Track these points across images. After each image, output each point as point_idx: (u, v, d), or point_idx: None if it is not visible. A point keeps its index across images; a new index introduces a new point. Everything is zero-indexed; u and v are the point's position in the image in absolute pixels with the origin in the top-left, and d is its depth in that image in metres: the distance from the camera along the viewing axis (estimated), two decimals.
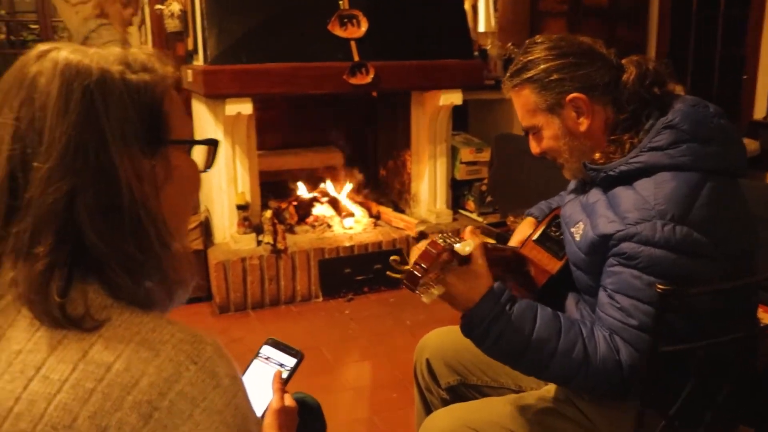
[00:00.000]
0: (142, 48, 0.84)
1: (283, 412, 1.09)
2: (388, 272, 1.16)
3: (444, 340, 1.64)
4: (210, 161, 0.90)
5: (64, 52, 0.75)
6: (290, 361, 1.21)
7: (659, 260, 1.16)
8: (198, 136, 3.92)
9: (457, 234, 1.25)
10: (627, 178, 1.25)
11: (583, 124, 1.31)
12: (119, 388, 0.66)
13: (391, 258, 1.17)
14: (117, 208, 0.72)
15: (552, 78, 1.30)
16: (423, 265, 1.10)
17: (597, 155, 1.31)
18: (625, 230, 1.19)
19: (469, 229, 1.30)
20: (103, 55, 0.77)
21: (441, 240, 1.14)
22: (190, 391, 0.68)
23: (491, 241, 3.29)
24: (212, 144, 0.90)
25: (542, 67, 1.31)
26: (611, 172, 1.27)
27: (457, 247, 1.16)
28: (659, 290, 1.09)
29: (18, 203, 0.71)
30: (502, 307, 1.20)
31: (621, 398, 1.24)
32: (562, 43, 1.34)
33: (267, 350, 1.23)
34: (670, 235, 1.16)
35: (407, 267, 1.12)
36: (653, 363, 1.14)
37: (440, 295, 1.18)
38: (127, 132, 0.73)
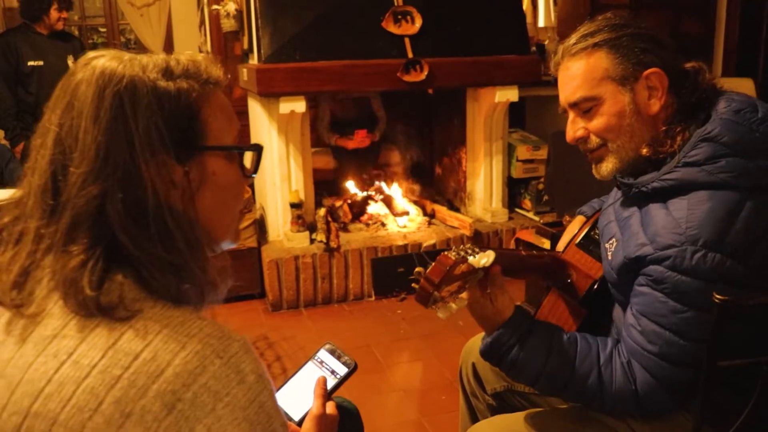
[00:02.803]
0: (193, 53, 0.85)
1: (323, 418, 1.08)
2: (413, 284, 1.12)
3: None
4: (254, 167, 0.90)
5: (103, 60, 0.78)
6: (342, 370, 1.20)
7: (686, 288, 1.09)
8: (253, 135, 3.98)
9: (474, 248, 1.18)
10: (660, 195, 1.16)
11: (655, 105, 1.20)
12: (145, 376, 0.67)
13: (416, 270, 1.13)
14: (144, 212, 0.74)
15: (637, 45, 1.19)
16: (433, 279, 1.06)
17: (644, 150, 1.20)
18: (654, 254, 1.11)
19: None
20: (141, 62, 0.78)
21: (454, 253, 1.09)
22: (214, 385, 0.69)
23: (546, 240, 3.20)
24: (253, 150, 0.89)
25: (629, 31, 1.20)
26: (644, 188, 1.18)
27: (472, 259, 1.10)
28: (717, 300, 1.01)
29: (56, 204, 0.74)
30: (516, 340, 1.20)
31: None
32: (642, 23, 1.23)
33: (323, 354, 1.23)
34: (699, 263, 1.07)
35: (419, 285, 1.08)
36: (711, 377, 1.07)
37: (460, 308, 1.15)
38: (155, 139, 0.75)
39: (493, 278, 1.19)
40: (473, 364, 1.58)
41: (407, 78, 3.37)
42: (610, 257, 1.24)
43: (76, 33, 6.76)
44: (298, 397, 1.16)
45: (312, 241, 3.53)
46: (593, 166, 1.29)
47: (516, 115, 4.30)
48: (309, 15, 3.32)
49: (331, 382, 1.17)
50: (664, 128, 1.20)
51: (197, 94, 0.79)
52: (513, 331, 1.19)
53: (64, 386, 0.68)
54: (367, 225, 3.83)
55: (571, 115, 1.26)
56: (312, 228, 3.58)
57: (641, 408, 1.16)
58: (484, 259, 1.11)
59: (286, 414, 1.15)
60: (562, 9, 4.92)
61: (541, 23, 4.69)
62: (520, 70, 3.63)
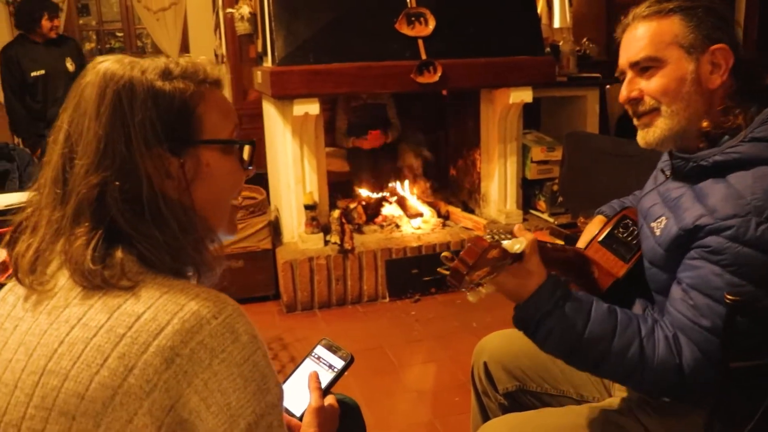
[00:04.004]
0: (193, 56, 0.92)
1: (321, 410, 1.10)
2: (438, 269, 1.12)
3: (503, 343, 1.59)
4: (249, 160, 0.96)
5: (107, 63, 0.86)
6: (339, 363, 1.20)
7: (746, 260, 1.06)
8: (267, 137, 4.00)
9: (511, 232, 1.18)
10: (720, 170, 1.14)
11: (716, 81, 1.19)
12: (146, 334, 0.74)
13: (443, 254, 1.13)
14: (138, 198, 0.81)
15: (710, 19, 1.19)
16: (468, 261, 1.05)
17: (705, 123, 1.19)
18: (714, 224, 1.08)
19: (518, 226, 1.23)
20: (141, 65, 0.86)
21: (489, 236, 1.09)
22: (210, 343, 0.75)
23: (559, 241, 3.18)
24: (244, 144, 0.95)
25: (705, 3, 1.20)
26: (703, 162, 1.16)
27: (506, 243, 1.10)
28: (728, 300, 1.00)
29: (64, 192, 0.83)
30: (554, 304, 1.14)
31: (680, 399, 1.17)
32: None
33: (320, 350, 1.24)
34: (765, 234, 1.05)
35: (452, 266, 1.08)
36: (723, 375, 1.06)
37: (490, 292, 1.14)
38: (149, 133, 0.82)
39: (526, 261, 1.15)
40: (485, 364, 1.58)
41: (421, 79, 3.37)
42: (658, 233, 1.22)
43: (94, 37, 6.85)
44: (298, 393, 1.17)
45: (326, 242, 3.54)
46: (639, 131, 1.27)
47: (530, 116, 4.29)
48: (322, 18, 3.34)
49: (329, 376, 1.18)
50: (720, 107, 1.19)
51: (192, 93, 0.87)
52: (549, 295, 1.14)
53: (75, 345, 0.76)
54: (382, 226, 3.83)
55: (629, 74, 1.25)
56: (326, 230, 3.59)
57: (684, 382, 1.11)
58: (518, 244, 1.11)
59: (288, 411, 1.15)
60: (577, 10, 4.90)
61: (556, 24, 4.69)
62: (534, 71, 3.61)
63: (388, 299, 3.54)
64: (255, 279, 3.51)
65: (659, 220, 1.23)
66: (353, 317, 3.39)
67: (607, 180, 3.21)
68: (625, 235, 1.40)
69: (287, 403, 1.16)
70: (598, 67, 4.69)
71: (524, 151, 4.08)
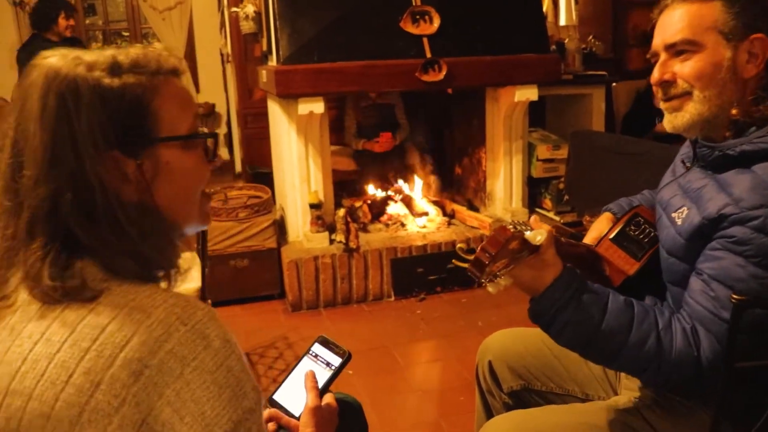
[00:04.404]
0: (148, 45, 0.87)
1: (318, 410, 1.08)
2: (453, 260, 1.11)
3: (508, 342, 1.58)
4: (211, 154, 0.91)
5: (50, 60, 0.79)
6: (336, 361, 1.20)
7: None
8: (272, 136, 4.00)
9: (527, 223, 1.17)
10: (746, 160, 1.12)
11: (751, 70, 1.17)
12: (112, 346, 0.71)
13: (458, 246, 1.12)
14: (93, 207, 0.77)
15: (754, 8, 1.17)
16: (490, 251, 1.04)
17: (734, 111, 1.17)
18: (740, 213, 1.07)
19: (534, 217, 1.22)
20: (86, 60, 0.79)
21: (511, 227, 1.08)
22: (180, 351, 0.71)
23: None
24: (205, 137, 0.90)
25: None
26: (729, 151, 1.14)
27: (528, 234, 1.08)
28: (733, 301, 0.98)
29: (15, 205, 0.78)
30: (569, 296, 1.12)
31: (697, 395, 1.15)
32: None
33: (317, 348, 1.24)
34: None
35: (474, 255, 1.06)
36: (728, 373, 1.05)
37: (508, 285, 1.13)
38: (99, 137, 0.76)
39: (543, 253, 1.14)
40: (490, 362, 1.57)
41: (426, 78, 3.37)
42: (679, 223, 1.20)
43: (100, 37, 6.87)
44: (297, 393, 1.16)
45: (331, 241, 3.53)
46: (666, 115, 1.25)
47: (536, 114, 4.28)
48: (327, 16, 3.33)
49: (327, 374, 1.17)
50: (752, 97, 1.17)
51: (144, 88, 0.80)
52: (565, 287, 1.12)
53: (38, 363, 0.72)
54: (387, 225, 3.83)
55: (663, 56, 1.23)
56: (331, 228, 3.58)
57: (701, 375, 1.10)
58: (539, 236, 1.10)
59: (288, 411, 1.15)
60: (583, 8, 4.88)
61: (562, 22, 4.67)
62: (539, 69, 3.60)
63: (393, 298, 3.53)
64: (260, 278, 3.51)
65: (681, 210, 1.22)
66: (358, 316, 3.38)
67: (612, 178, 3.20)
68: (636, 233, 1.39)
69: (286, 403, 1.16)
70: (604, 64, 4.67)
71: (530, 150, 4.07)
